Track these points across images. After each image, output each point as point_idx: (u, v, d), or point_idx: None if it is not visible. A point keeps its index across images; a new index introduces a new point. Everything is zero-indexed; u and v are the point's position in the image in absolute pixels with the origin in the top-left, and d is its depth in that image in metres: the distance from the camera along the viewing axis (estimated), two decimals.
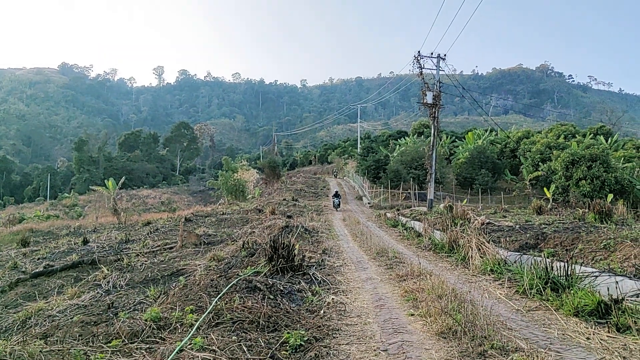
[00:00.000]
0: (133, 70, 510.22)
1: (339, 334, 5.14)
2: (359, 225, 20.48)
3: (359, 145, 73.81)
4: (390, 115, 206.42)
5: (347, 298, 6.85)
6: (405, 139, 59.70)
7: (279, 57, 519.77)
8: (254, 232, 15.84)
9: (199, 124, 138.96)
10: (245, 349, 4.40)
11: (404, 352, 4.44)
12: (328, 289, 7.36)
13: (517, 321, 5.36)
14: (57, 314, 7.38)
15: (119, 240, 18.26)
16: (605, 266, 7.55)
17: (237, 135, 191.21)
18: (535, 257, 7.56)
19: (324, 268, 9.27)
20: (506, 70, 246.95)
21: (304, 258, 9.09)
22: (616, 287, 5.38)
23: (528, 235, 11.57)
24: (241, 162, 67.38)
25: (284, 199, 35.45)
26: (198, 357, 4.19)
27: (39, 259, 15.70)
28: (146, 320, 5.27)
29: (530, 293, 6.33)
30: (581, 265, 7.14)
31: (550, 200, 29.07)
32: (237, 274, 7.42)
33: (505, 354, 4.16)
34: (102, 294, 8.66)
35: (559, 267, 6.34)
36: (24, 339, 5.23)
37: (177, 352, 4.23)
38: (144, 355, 4.34)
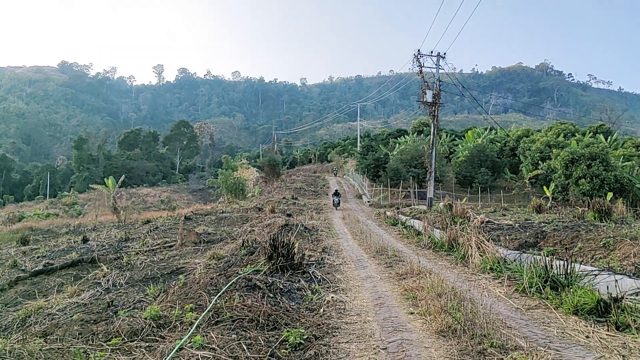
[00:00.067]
0: (133, 69, 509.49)
1: (339, 333, 5.15)
2: (359, 223, 20.49)
3: (358, 144, 73.78)
4: (390, 114, 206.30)
5: (347, 296, 6.86)
6: (405, 138, 59.67)
7: (278, 56, 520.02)
8: (253, 230, 15.84)
9: (198, 123, 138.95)
10: (245, 347, 4.41)
11: (403, 351, 4.45)
12: (328, 288, 7.37)
13: (516, 319, 5.36)
14: (57, 313, 7.38)
15: (118, 239, 18.26)
16: (604, 265, 7.56)
17: (237, 133, 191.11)
18: (534, 256, 7.57)
19: (324, 266, 9.28)
20: (506, 69, 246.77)
21: (304, 256, 9.10)
22: (615, 286, 5.39)
23: (527, 233, 11.56)
24: (241, 160, 67.44)
25: (284, 198, 35.45)
26: (198, 355, 4.19)
27: (38, 257, 15.70)
28: (146, 318, 5.27)
29: (530, 291, 6.34)
30: (580, 263, 7.15)
31: (550, 199, 29.09)
32: (237, 273, 7.42)
33: (504, 352, 4.16)
34: (101, 293, 8.65)
35: (558, 266, 6.34)
36: (24, 337, 5.24)
37: (176, 351, 4.23)
38: (143, 354, 4.34)
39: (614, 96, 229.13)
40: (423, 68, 28.20)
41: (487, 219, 14.93)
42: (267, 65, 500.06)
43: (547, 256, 6.74)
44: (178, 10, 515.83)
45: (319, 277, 7.91)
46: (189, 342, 4.45)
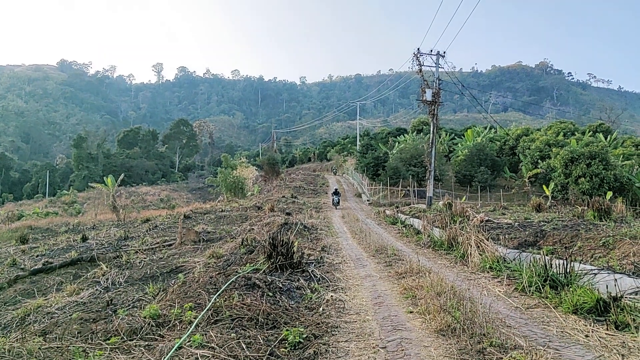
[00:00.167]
0: (132, 67, 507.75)
1: (338, 331, 5.14)
2: (358, 222, 20.49)
3: (358, 143, 73.75)
4: (389, 113, 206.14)
5: (346, 295, 6.86)
6: (404, 136, 59.63)
7: (278, 54, 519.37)
8: (253, 229, 15.83)
9: (198, 121, 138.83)
10: (244, 346, 4.41)
11: (402, 350, 4.45)
12: (327, 286, 7.36)
13: (516, 319, 5.36)
14: (56, 311, 7.37)
15: (118, 237, 18.26)
16: (604, 264, 7.56)
17: (236, 132, 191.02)
18: (534, 255, 7.57)
19: (323, 265, 9.28)
20: (505, 68, 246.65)
21: (303, 255, 9.09)
22: (615, 285, 5.39)
23: (527, 232, 11.56)
24: (240, 159, 67.40)
25: (283, 196, 35.46)
26: (197, 354, 4.19)
27: (37, 256, 15.68)
28: (145, 317, 5.27)
29: (529, 290, 6.34)
30: (580, 262, 7.15)
31: (550, 198, 29.09)
32: (236, 271, 7.42)
33: (504, 351, 4.16)
34: (101, 291, 8.65)
35: (558, 265, 6.34)
36: (23, 336, 5.23)
37: (175, 349, 4.23)
38: (142, 353, 4.34)
39: (614, 95, 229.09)
40: (423, 67, 28.21)
41: (487, 218, 14.94)
42: (266, 64, 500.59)
43: (547, 255, 6.74)
44: (177, 9, 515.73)
45: (319, 276, 7.91)
46: (188, 341, 4.45)
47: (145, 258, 12.38)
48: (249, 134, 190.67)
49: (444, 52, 28.78)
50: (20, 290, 10.46)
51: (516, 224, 13.44)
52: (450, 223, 12.83)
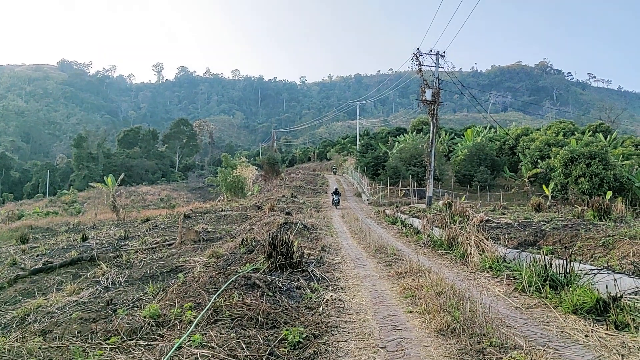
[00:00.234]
0: (132, 67, 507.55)
1: (338, 331, 5.15)
2: (358, 222, 20.49)
3: (358, 142, 73.73)
4: (389, 112, 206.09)
5: (346, 295, 6.86)
6: (404, 136, 59.65)
7: (278, 54, 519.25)
8: (252, 228, 15.84)
9: (198, 121, 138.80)
10: (244, 346, 4.41)
11: (402, 349, 4.45)
12: (327, 286, 7.37)
13: (515, 319, 5.36)
14: (56, 311, 7.38)
15: (118, 237, 18.27)
16: (604, 264, 7.56)
17: (237, 131, 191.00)
18: (534, 255, 7.57)
19: (323, 265, 9.28)
20: (505, 68, 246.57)
21: (303, 255, 9.10)
22: (615, 285, 5.39)
23: (527, 232, 11.56)
24: (240, 158, 67.35)
25: (283, 196, 35.45)
26: (197, 354, 4.20)
27: (37, 255, 15.69)
28: (145, 317, 5.27)
29: (529, 290, 6.34)
30: (580, 262, 7.16)
31: (549, 198, 29.08)
32: (236, 271, 7.42)
33: (503, 351, 4.17)
34: (101, 291, 8.65)
35: (557, 265, 6.34)
36: (23, 335, 5.24)
37: (175, 349, 4.23)
38: (142, 352, 4.34)
39: (614, 95, 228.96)
40: (422, 67, 28.22)
41: (487, 218, 14.94)
42: (266, 64, 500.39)
43: (547, 255, 6.74)
44: (178, 9, 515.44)
45: (318, 276, 7.91)
46: (188, 341, 4.45)
47: (145, 258, 12.38)
48: (249, 134, 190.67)
49: (444, 52, 28.81)
50: (20, 289, 10.47)
51: (516, 223, 13.44)
52: (450, 223, 12.83)
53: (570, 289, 5.81)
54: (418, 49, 28.15)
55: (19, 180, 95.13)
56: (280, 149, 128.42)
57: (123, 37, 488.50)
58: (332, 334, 5.03)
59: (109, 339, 4.67)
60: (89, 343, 4.66)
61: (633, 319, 4.71)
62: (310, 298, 6.50)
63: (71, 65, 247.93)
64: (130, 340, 4.68)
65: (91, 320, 5.91)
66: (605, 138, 42.17)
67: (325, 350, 4.53)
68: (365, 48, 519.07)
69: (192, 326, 4.87)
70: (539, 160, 36.26)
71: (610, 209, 14.06)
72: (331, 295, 6.65)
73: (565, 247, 9.32)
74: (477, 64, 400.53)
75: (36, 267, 12.60)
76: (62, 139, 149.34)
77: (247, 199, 39.17)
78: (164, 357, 4.10)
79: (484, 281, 7.51)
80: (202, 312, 5.29)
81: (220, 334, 4.70)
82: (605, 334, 4.60)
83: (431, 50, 28.67)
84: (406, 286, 6.98)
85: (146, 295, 7.28)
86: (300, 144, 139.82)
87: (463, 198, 31.48)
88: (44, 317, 7.11)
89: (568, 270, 6.18)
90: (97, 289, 8.79)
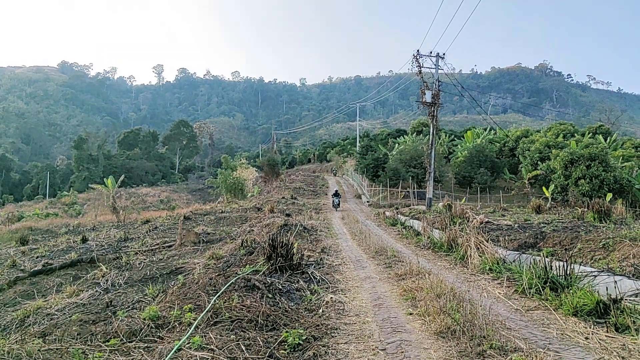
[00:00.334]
0: (133, 69, 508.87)
1: (338, 333, 5.14)
2: (358, 223, 20.48)
3: (358, 144, 73.73)
4: (389, 114, 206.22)
5: (346, 297, 6.85)
6: (404, 138, 59.66)
7: (278, 56, 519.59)
8: (252, 230, 15.83)
9: (198, 122, 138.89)
10: (243, 348, 4.40)
11: (402, 352, 4.44)
12: (327, 288, 7.36)
13: (516, 321, 5.36)
14: (56, 313, 7.37)
15: (117, 239, 18.25)
16: (604, 266, 7.56)
17: (237, 133, 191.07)
18: (534, 257, 7.56)
19: (323, 267, 9.27)
20: (505, 69, 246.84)
21: (303, 257, 9.10)
22: (615, 287, 5.38)
23: (527, 234, 11.57)
24: (240, 160, 67.51)
25: (283, 197, 35.46)
26: (196, 356, 4.19)
27: (37, 257, 15.68)
28: (145, 319, 5.26)
29: (529, 292, 6.33)
30: (580, 264, 7.15)
31: (549, 200, 29.09)
32: (236, 273, 7.41)
33: (504, 353, 4.16)
34: (100, 293, 8.65)
35: (558, 267, 6.34)
36: (23, 337, 5.23)
37: (175, 351, 4.22)
38: (142, 355, 4.33)
39: (613, 97, 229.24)
40: (422, 68, 28.23)
41: (487, 220, 14.93)
42: (266, 66, 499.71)
43: (547, 257, 6.73)
44: (178, 11, 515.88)
45: (318, 278, 7.90)
46: (188, 343, 4.44)
47: (145, 259, 12.38)
48: (249, 135, 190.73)
49: (444, 54, 28.83)
50: (20, 291, 10.46)
51: (516, 225, 13.43)
52: (450, 224, 12.83)
53: (571, 291, 5.81)
54: (418, 50, 28.19)
55: (19, 182, 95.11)
56: (280, 151, 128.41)
57: (123, 39, 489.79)
58: (332, 336, 5.02)
59: (108, 341, 4.66)
60: (88, 345, 4.65)
61: (633, 321, 4.70)
62: (310, 300, 6.49)
63: (72, 67, 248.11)
64: (129, 342, 4.67)
65: (91, 322, 5.90)
66: (605, 140, 42.19)
67: (325, 352, 4.52)
68: (365, 50, 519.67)
69: (192, 328, 4.87)
70: (539, 162, 36.27)
71: (611, 210, 14.07)
72: (331, 297, 6.64)
73: (566, 249, 9.31)
74: (477, 65, 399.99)
75: (36, 268, 12.59)
76: (62, 141, 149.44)
77: (247, 200, 39.19)
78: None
79: (484, 283, 7.50)
80: (201, 314, 5.28)
81: (220, 336, 4.69)
82: (606, 336, 4.59)
83: (431, 52, 28.71)
84: (406, 288, 6.97)
85: (146, 297, 7.28)
86: (300, 146, 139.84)
87: (463, 200, 31.48)
88: (43, 319, 7.10)
89: (568, 272, 6.18)
90: (96, 291, 8.78)
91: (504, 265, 8.10)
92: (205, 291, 6.40)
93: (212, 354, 4.24)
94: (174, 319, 5.29)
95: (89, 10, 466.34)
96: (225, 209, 27.48)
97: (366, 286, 7.65)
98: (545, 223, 13.16)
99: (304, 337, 4.76)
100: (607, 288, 5.57)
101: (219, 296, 5.94)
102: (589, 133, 45.64)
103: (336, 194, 31.58)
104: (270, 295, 6.25)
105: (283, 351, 4.45)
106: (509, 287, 6.94)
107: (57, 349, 4.55)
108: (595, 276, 6.19)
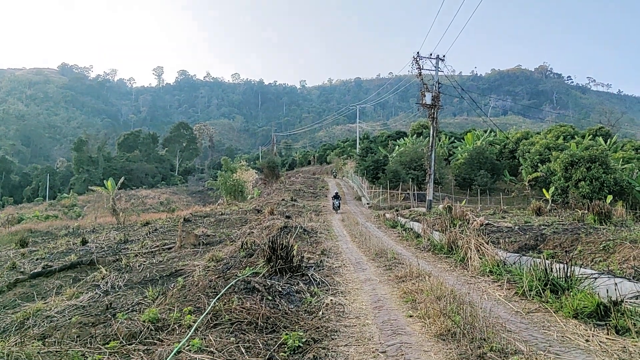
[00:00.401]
0: (133, 71, 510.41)
1: (338, 336, 5.13)
2: (358, 226, 20.47)
3: (357, 146, 73.75)
4: (389, 116, 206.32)
5: (346, 299, 6.84)
6: (404, 140, 59.71)
7: (278, 58, 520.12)
8: (252, 232, 15.82)
9: (198, 124, 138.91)
10: (243, 351, 4.39)
11: (402, 354, 4.43)
12: (327, 290, 7.35)
13: (516, 323, 5.34)
14: (56, 315, 7.36)
15: (117, 241, 18.25)
16: (604, 268, 7.55)
17: (237, 135, 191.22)
18: (534, 259, 7.55)
19: (323, 269, 9.26)
20: (505, 71, 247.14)
21: (303, 259, 9.08)
22: (615, 289, 5.37)
23: (527, 236, 11.56)
24: (240, 162, 67.37)
25: (283, 199, 35.45)
26: (196, 358, 4.18)
27: (37, 259, 15.68)
28: (144, 321, 5.25)
29: (530, 295, 6.32)
30: (580, 266, 7.14)
31: (550, 201, 29.08)
32: (236, 275, 7.41)
33: (504, 356, 4.15)
34: (100, 295, 8.64)
35: (558, 269, 6.33)
36: (22, 340, 5.22)
37: (175, 354, 4.21)
38: (141, 357, 4.32)
39: (613, 99, 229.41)
40: (422, 70, 28.27)
41: (487, 222, 14.93)
42: (267, 68, 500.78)
43: (547, 259, 6.73)
44: (178, 13, 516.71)
45: (318, 280, 7.89)
46: (187, 345, 4.43)
47: (144, 261, 12.37)
48: (249, 137, 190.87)
49: (444, 56, 28.89)
50: (19, 293, 10.45)
51: (516, 227, 13.42)
52: (450, 226, 12.83)
53: (571, 293, 5.80)
54: (418, 52, 28.24)
55: (19, 184, 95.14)
56: (280, 153, 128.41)
57: (124, 41, 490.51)
58: (332, 339, 5.01)
59: (108, 344, 4.65)
60: (88, 347, 4.64)
61: (634, 323, 4.69)
62: (310, 302, 6.48)
63: (72, 69, 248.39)
64: (129, 344, 4.65)
65: (90, 324, 5.89)
66: (606, 142, 42.20)
67: (325, 354, 4.51)
68: (365, 52, 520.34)
69: (192, 330, 4.86)
70: (539, 164, 36.29)
71: (611, 212, 14.06)
72: (331, 300, 6.63)
73: (566, 251, 9.31)
74: (477, 67, 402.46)
75: (36, 271, 12.59)
76: (62, 143, 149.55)
77: (247, 202, 39.18)
78: None
79: (484, 285, 7.49)
80: (201, 317, 5.27)
81: (220, 338, 4.68)
82: (606, 338, 4.58)
83: (431, 54, 28.75)
84: (406, 290, 6.96)
85: (145, 299, 7.27)
86: (300, 148, 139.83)
87: (463, 202, 31.47)
88: (43, 321, 7.09)
89: (569, 274, 6.17)
90: (96, 293, 8.77)
91: (504, 268, 8.09)
92: (205, 293, 6.39)
93: (211, 357, 4.23)
94: (173, 321, 5.28)
95: (89, 12, 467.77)
96: (225, 211, 27.48)
97: (366, 288, 7.64)
98: (546, 225, 13.15)
99: (303, 340, 4.75)
100: (607, 290, 5.56)
101: (218, 298, 5.93)
102: (589, 135, 45.66)
103: (336, 196, 31.49)
104: (270, 298, 6.24)
105: (283, 354, 4.44)
106: (509, 289, 6.93)
107: (56, 351, 4.54)
108: (596, 278, 6.18)
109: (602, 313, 5.08)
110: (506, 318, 5.53)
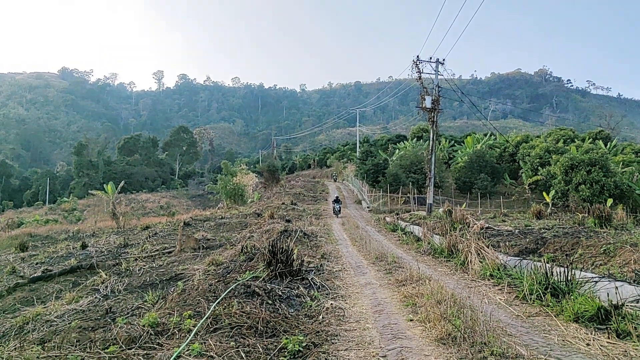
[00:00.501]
0: (133, 75, 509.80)
1: (338, 340, 5.11)
2: (358, 229, 20.45)
3: (358, 149, 73.77)
4: (389, 120, 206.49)
5: (346, 303, 6.83)
6: (404, 143, 59.70)
7: (278, 62, 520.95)
8: (252, 236, 15.81)
9: (198, 128, 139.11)
10: (243, 355, 4.38)
11: (403, 358, 4.42)
12: (327, 294, 7.33)
13: (517, 327, 5.33)
14: (55, 319, 7.34)
15: (117, 245, 18.23)
16: (605, 271, 7.54)
17: (237, 139, 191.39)
18: (535, 262, 7.55)
19: (323, 273, 9.24)
20: (505, 75, 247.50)
21: (303, 263, 9.07)
22: (616, 293, 5.36)
23: (528, 239, 11.54)
24: (240, 166, 67.41)
25: (283, 203, 35.41)
26: None
27: (37, 263, 15.65)
28: (144, 325, 5.24)
29: (530, 298, 6.31)
30: (581, 270, 7.13)
31: (550, 205, 29.06)
32: (236, 279, 7.40)
33: None
34: (100, 299, 8.62)
35: (558, 273, 6.32)
36: (21, 344, 5.21)
37: (174, 358, 4.20)
38: None
39: (613, 102, 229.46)
40: (422, 74, 28.31)
41: (487, 225, 14.91)
42: (266, 71, 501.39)
43: (548, 263, 6.73)
44: (178, 17, 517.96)
45: (318, 284, 7.88)
46: (187, 350, 4.42)
47: (144, 265, 12.35)
48: (249, 141, 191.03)
49: (443, 60, 28.93)
50: (19, 298, 10.43)
51: (517, 231, 13.41)
52: (451, 230, 12.81)
53: (572, 297, 5.79)
54: (417, 56, 28.29)
55: (19, 188, 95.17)
56: (280, 156, 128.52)
57: (124, 45, 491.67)
58: (332, 343, 5.00)
59: (107, 348, 4.64)
60: (87, 352, 4.63)
61: (635, 327, 4.68)
62: (310, 306, 6.47)
63: (72, 73, 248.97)
64: (129, 349, 4.64)
65: (90, 329, 5.87)
66: (605, 145, 42.19)
67: (325, 359, 4.50)
68: (365, 56, 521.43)
69: (192, 335, 4.84)
70: (539, 168, 36.24)
71: (611, 216, 14.06)
72: (331, 304, 6.62)
73: (566, 255, 9.29)
74: (477, 71, 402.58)
75: (35, 275, 12.57)
76: (62, 147, 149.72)
77: (247, 206, 39.15)
78: None
79: (484, 289, 7.48)
80: (201, 321, 5.26)
81: (220, 342, 4.67)
82: (607, 342, 4.57)
83: (431, 58, 28.81)
84: (406, 294, 6.95)
85: (145, 304, 7.25)
86: (300, 151, 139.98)
87: (463, 205, 31.45)
88: (42, 326, 7.07)
89: (569, 278, 6.16)
90: (96, 297, 8.75)
91: (504, 271, 8.08)
92: (205, 297, 6.38)
93: None
94: (173, 325, 5.27)
95: (89, 17, 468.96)
96: (225, 215, 27.46)
97: (366, 292, 7.62)
98: (546, 229, 13.15)
99: (304, 344, 4.74)
100: (608, 294, 5.55)
101: (218, 302, 5.92)
102: (589, 138, 45.66)
103: (337, 200, 31.41)
104: (270, 302, 6.23)
105: (283, 358, 4.44)
106: (509, 293, 6.92)
107: (56, 356, 4.53)
108: (596, 282, 6.17)
109: (603, 317, 5.08)
110: (507, 322, 5.51)
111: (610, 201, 24.96)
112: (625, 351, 4.31)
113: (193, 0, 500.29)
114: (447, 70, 28.90)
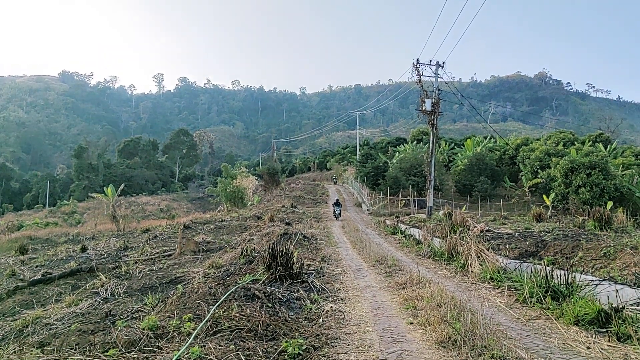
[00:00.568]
0: (133, 78, 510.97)
1: (338, 343, 5.11)
2: (358, 232, 20.45)
3: (357, 152, 73.83)
4: (389, 122, 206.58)
5: (346, 306, 6.82)
6: (404, 146, 59.73)
7: (278, 65, 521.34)
8: (252, 239, 15.80)
9: (198, 131, 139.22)
10: (243, 358, 4.37)
11: None
12: (327, 297, 7.33)
13: (517, 330, 5.33)
14: (55, 322, 7.34)
15: (117, 248, 18.22)
16: (605, 274, 7.53)
17: (237, 142, 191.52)
18: (535, 265, 7.54)
19: (323, 276, 9.24)
20: (504, 78, 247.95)
21: (303, 266, 9.06)
22: (616, 296, 5.36)
23: (528, 242, 11.54)
24: (240, 168, 67.45)
25: (283, 206, 35.39)
26: None
27: (37, 266, 15.65)
28: (144, 328, 5.24)
29: (531, 301, 6.30)
30: (581, 273, 7.12)
31: (550, 208, 29.07)
32: (236, 282, 7.39)
33: None
34: (100, 302, 8.61)
35: (559, 276, 6.32)
36: (21, 347, 5.20)
37: None
38: None
39: (613, 105, 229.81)
40: (422, 77, 28.35)
41: (487, 228, 14.91)
42: (267, 74, 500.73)
43: (548, 266, 6.72)
44: (179, 20, 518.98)
45: (318, 287, 7.87)
46: (187, 353, 4.41)
47: (144, 268, 12.34)
48: (249, 144, 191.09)
49: (443, 63, 28.98)
50: (19, 301, 10.42)
51: (517, 234, 13.41)
52: (451, 233, 12.82)
53: (572, 300, 5.78)
54: (417, 59, 28.35)
55: (19, 191, 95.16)
56: (280, 159, 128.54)
57: (124, 48, 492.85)
58: (332, 346, 4.99)
59: (107, 351, 4.63)
60: (87, 355, 4.62)
61: (635, 330, 4.68)
62: (310, 309, 6.46)
63: (72, 76, 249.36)
64: (128, 352, 4.64)
65: (90, 332, 5.87)
66: (605, 148, 42.26)
67: None
68: (365, 59, 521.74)
69: (191, 338, 4.84)
70: (539, 170, 36.28)
71: (611, 219, 14.05)
72: (331, 307, 6.61)
73: (567, 258, 9.29)
74: (477, 74, 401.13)
75: (35, 278, 12.56)
76: (62, 150, 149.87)
77: (247, 209, 39.15)
78: None
79: (484, 292, 7.47)
80: (201, 324, 5.26)
81: (220, 345, 4.66)
82: (608, 345, 4.56)
83: (430, 61, 28.85)
84: (407, 297, 6.95)
85: (145, 307, 7.24)
86: (300, 154, 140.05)
87: (463, 208, 31.44)
88: (42, 329, 7.07)
89: (569, 281, 6.16)
90: (96, 300, 8.75)
91: (504, 274, 8.08)
92: (205, 300, 6.37)
93: None
94: (173, 328, 5.26)
95: (89, 20, 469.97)
96: (225, 218, 27.45)
97: (366, 295, 7.62)
98: (546, 231, 13.14)
99: (304, 347, 4.73)
100: (608, 297, 5.55)
101: (218, 305, 5.91)
102: (589, 141, 45.71)
103: (337, 204, 31.32)
104: (270, 305, 6.22)
105: None
106: (510, 296, 6.92)
107: (55, 359, 4.53)
108: (597, 285, 6.16)
109: (603, 320, 5.07)
110: (507, 325, 5.51)
111: (610, 204, 24.97)
112: (626, 354, 4.30)
113: (193, 3, 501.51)
114: (447, 73, 29.07)
